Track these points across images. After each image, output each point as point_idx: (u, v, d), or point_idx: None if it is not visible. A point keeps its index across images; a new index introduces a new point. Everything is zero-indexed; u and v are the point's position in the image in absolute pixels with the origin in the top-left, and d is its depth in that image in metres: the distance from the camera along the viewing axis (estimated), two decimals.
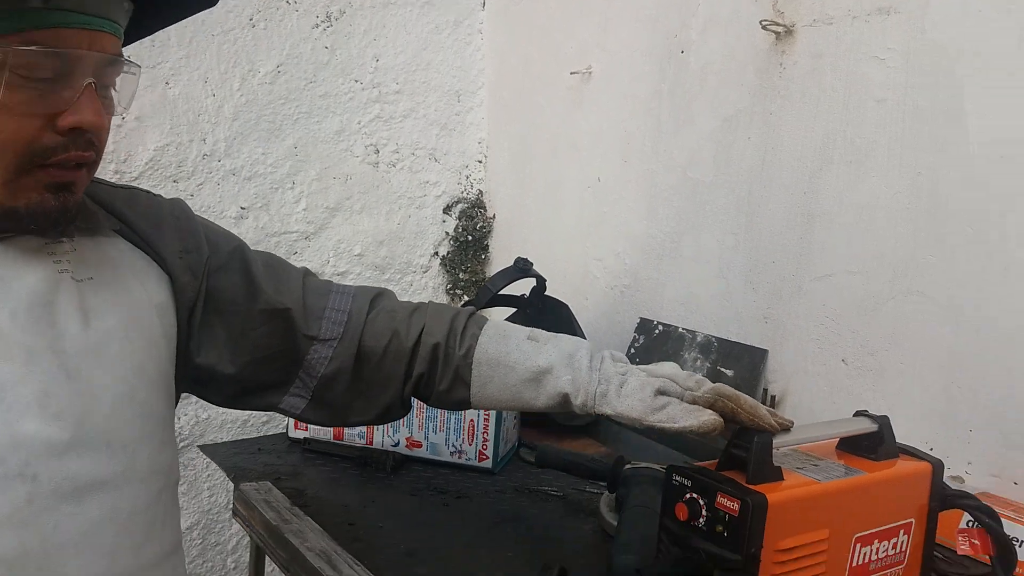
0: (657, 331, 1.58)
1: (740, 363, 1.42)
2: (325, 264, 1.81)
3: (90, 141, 0.70)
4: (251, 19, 1.66)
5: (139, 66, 0.74)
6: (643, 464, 1.11)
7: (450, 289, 2.00)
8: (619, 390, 0.83)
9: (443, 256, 1.99)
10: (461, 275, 1.99)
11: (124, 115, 0.86)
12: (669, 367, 0.85)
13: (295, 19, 1.72)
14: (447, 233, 1.99)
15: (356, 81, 1.81)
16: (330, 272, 1.82)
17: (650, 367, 0.86)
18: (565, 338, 0.91)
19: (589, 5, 1.71)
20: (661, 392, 0.82)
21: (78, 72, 0.68)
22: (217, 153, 1.66)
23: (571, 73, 1.74)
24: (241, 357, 0.88)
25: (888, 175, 1.21)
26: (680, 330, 1.53)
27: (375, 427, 1.32)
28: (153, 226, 0.83)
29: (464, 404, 0.91)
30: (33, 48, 0.65)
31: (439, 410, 1.29)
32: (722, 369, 1.44)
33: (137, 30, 0.76)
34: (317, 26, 1.74)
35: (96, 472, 0.71)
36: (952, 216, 1.14)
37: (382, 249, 1.89)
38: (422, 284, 1.98)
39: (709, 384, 0.82)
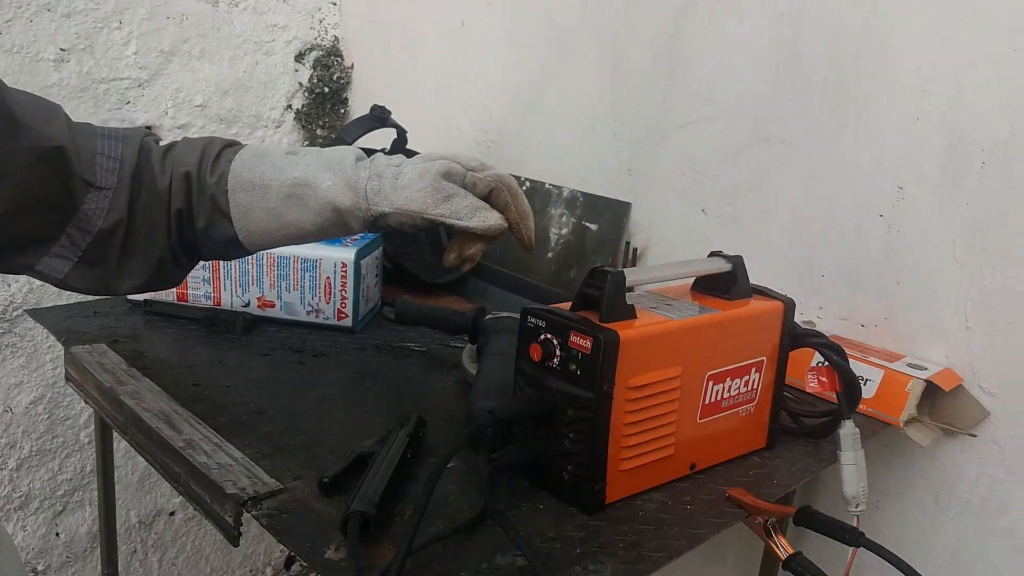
0: (524, 187, 1.54)
1: (604, 217, 1.41)
2: (163, 116, 1.65)
3: None
4: None
5: None
6: (504, 314, 1.09)
7: (307, 146, 1.88)
8: (395, 182, 0.75)
9: (298, 109, 1.86)
10: (319, 131, 1.87)
11: None
12: (448, 151, 0.79)
13: None
14: (301, 84, 1.85)
15: None
16: (169, 125, 1.67)
17: (426, 154, 0.78)
18: (332, 148, 0.82)
19: None
20: (445, 176, 0.75)
21: None
22: None
23: None
24: (1, 205, 0.71)
25: (751, 15, 1.18)
26: (547, 186, 1.50)
27: (223, 287, 1.24)
28: None
29: (235, 244, 0.80)
30: None
31: (292, 267, 1.22)
32: (587, 224, 1.43)
33: None
34: None
35: None
36: (811, 58, 1.13)
37: (227, 100, 1.74)
38: (275, 140, 1.84)
39: (493, 169, 0.77)
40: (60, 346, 1.14)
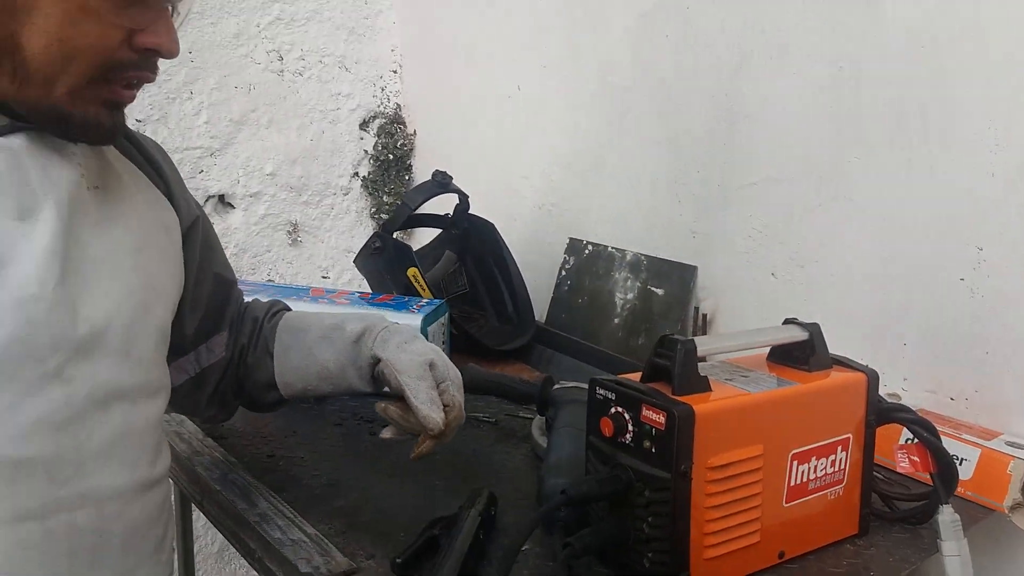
0: (587, 251, 1.53)
1: (670, 281, 1.39)
2: (235, 184, 1.70)
3: (156, 65, 0.70)
4: None
5: None
6: (572, 384, 1.07)
7: (374, 213, 1.91)
8: (402, 344, 0.85)
9: (364, 177, 1.89)
10: (385, 198, 1.90)
11: None
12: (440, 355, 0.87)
13: None
14: (366, 151, 1.89)
15: None
16: (241, 193, 1.71)
17: (432, 346, 0.87)
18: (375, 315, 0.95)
19: None
20: (431, 366, 0.83)
21: None
22: None
23: None
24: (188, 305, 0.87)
25: (809, 70, 1.15)
26: (610, 249, 1.49)
27: None
28: (152, 148, 0.83)
29: (271, 388, 0.92)
30: None
31: None
32: (652, 288, 1.40)
33: None
34: None
35: (120, 382, 0.70)
36: (874, 113, 1.09)
37: (296, 168, 1.78)
38: (344, 207, 1.88)
39: (458, 400, 0.84)
40: None
